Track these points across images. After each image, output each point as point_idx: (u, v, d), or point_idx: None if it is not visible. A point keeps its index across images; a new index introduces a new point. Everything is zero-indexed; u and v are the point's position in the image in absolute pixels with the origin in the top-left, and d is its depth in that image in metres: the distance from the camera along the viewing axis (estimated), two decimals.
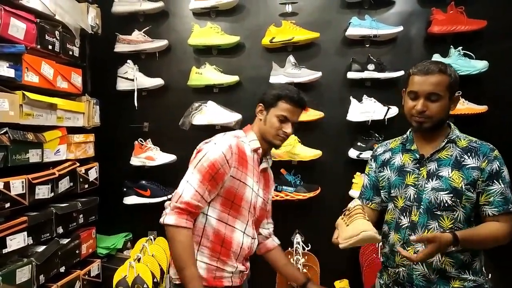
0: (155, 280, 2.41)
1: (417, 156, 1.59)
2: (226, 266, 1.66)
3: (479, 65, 2.45)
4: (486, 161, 1.50)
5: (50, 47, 2.18)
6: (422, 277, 1.54)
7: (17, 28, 1.94)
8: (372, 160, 1.76)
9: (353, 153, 2.58)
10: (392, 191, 1.64)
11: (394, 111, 2.53)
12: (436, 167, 1.54)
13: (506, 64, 2.50)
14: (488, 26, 2.47)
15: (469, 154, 1.52)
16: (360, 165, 2.58)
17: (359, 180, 2.55)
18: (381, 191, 1.70)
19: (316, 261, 2.51)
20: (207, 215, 1.64)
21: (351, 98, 2.58)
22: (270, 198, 1.91)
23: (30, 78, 2.03)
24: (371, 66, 2.55)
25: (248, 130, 1.76)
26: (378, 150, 1.75)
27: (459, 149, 1.54)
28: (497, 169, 1.49)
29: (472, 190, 1.50)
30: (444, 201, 1.51)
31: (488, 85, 2.51)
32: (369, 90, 2.62)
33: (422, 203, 1.54)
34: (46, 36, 2.15)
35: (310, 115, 2.59)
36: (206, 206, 1.62)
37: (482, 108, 2.46)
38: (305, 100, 1.72)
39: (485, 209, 1.50)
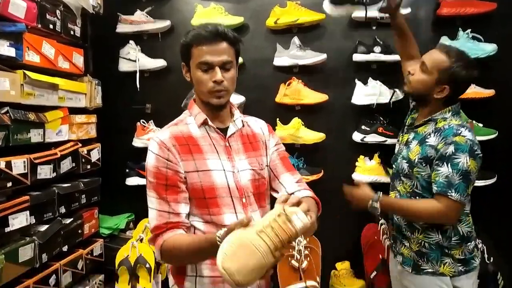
0: (157, 260, 2.43)
1: (408, 122, 1.84)
2: None
3: (488, 48, 2.39)
4: (443, 142, 1.58)
5: (51, 26, 2.15)
6: (397, 218, 1.80)
7: (18, 7, 1.91)
8: None
9: (357, 136, 2.55)
10: None
11: (399, 94, 2.49)
12: (411, 139, 1.74)
13: None
14: (498, 8, 2.40)
15: (435, 134, 1.64)
16: (364, 148, 2.57)
17: (363, 164, 2.53)
18: None
19: (318, 243, 2.51)
20: (193, 225, 1.37)
21: (356, 80, 2.54)
22: (273, 154, 1.51)
23: (31, 57, 2.01)
24: (377, 49, 2.50)
25: (192, 105, 1.44)
26: None
27: (434, 128, 1.66)
28: (451, 153, 1.56)
29: (424, 165, 1.64)
30: (404, 169, 1.72)
31: (496, 69, 2.45)
32: (374, 72, 2.57)
33: (396, 166, 1.81)
34: (47, 15, 2.11)
35: (314, 97, 2.56)
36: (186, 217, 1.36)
37: (489, 92, 2.41)
38: (220, 29, 1.30)
39: (432, 186, 1.62)
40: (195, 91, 1.40)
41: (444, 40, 2.43)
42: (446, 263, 1.65)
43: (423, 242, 1.69)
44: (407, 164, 1.69)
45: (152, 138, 1.36)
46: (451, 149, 1.55)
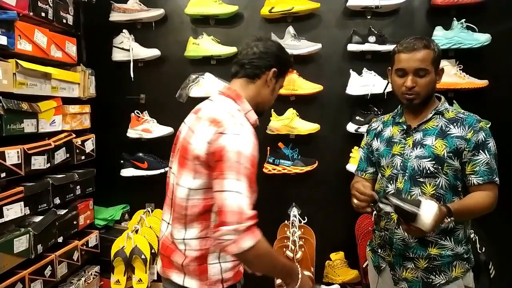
0: (153, 251, 2.44)
1: (405, 127, 1.67)
2: None
3: (482, 38, 2.40)
4: (472, 131, 1.55)
5: (43, 14, 2.12)
6: (402, 241, 1.62)
7: None
8: (367, 133, 1.86)
9: (351, 127, 2.56)
10: (381, 161, 1.72)
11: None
12: (421, 137, 1.62)
13: (509, 37, 2.45)
14: None
15: (454, 124, 1.58)
16: (358, 139, 2.55)
17: (357, 154, 2.53)
18: (374, 162, 1.80)
19: (312, 233, 2.53)
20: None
21: (350, 71, 2.54)
22: None
23: (23, 46, 1.98)
24: (372, 38, 2.50)
25: (240, 98, 1.46)
26: (373, 125, 1.85)
27: (445, 120, 1.61)
28: (483, 139, 1.54)
29: (454, 158, 1.56)
30: (427, 168, 1.58)
31: (490, 59, 2.47)
32: (369, 63, 2.57)
33: (407, 171, 1.62)
34: (39, 3, 2.08)
35: (309, 88, 2.56)
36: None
37: (483, 83, 2.42)
38: None
39: (471, 179, 1.56)
40: (264, 95, 1.52)
41: (439, 30, 2.43)
42: (456, 265, 1.59)
43: (433, 256, 1.58)
44: (433, 162, 1.56)
45: (241, 124, 1.35)
46: (481, 135, 1.54)
